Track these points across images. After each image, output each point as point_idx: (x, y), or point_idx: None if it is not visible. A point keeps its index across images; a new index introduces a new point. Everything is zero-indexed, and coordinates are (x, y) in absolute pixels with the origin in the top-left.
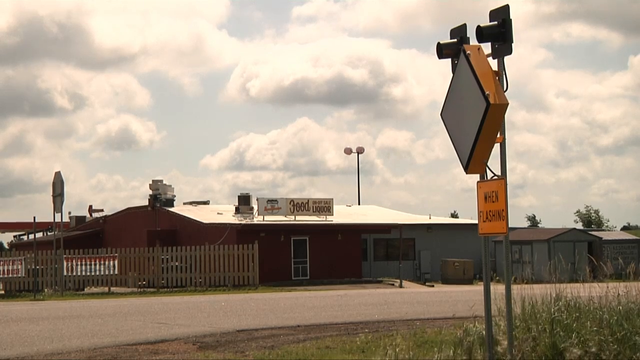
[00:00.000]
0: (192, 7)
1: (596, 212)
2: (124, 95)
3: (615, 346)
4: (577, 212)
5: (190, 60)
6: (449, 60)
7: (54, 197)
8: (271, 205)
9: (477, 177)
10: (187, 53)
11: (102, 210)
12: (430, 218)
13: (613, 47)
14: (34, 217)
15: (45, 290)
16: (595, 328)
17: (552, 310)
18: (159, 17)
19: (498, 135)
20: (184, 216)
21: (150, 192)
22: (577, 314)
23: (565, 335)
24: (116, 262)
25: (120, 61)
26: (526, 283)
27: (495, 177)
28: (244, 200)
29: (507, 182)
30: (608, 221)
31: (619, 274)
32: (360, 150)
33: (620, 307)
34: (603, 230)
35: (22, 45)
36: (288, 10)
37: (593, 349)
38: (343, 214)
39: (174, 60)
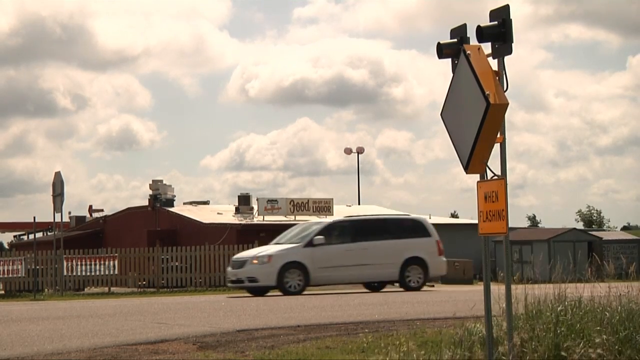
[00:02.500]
0: (194, 8)
1: (598, 212)
2: (125, 95)
3: (617, 346)
4: (579, 211)
5: (191, 61)
6: (449, 60)
7: (54, 197)
8: (271, 205)
9: (477, 177)
10: (189, 54)
11: (102, 210)
12: (430, 218)
13: (612, 48)
14: (34, 217)
15: (45, 290)
16: (598, 328)
17: (558, 309)
18: (160, 18)
19: (498, 135)
20: (184, 216)
21: (150, 192)
22: (581, 314)
23: (569, 335)
24: (116, 262)
25: (122, 62)
26: (527, 283)
27: (495, 177)
28: (244, 200)
29: (507, 182)
30: (609, 221)
31: (619, 274)
32: (360, 150)
33: (621, 307)
34: (603, 230)
35: (25, 46)
36: (289, 11)
37: (596, 349)
38: (343, 214)
39: (175, 61)
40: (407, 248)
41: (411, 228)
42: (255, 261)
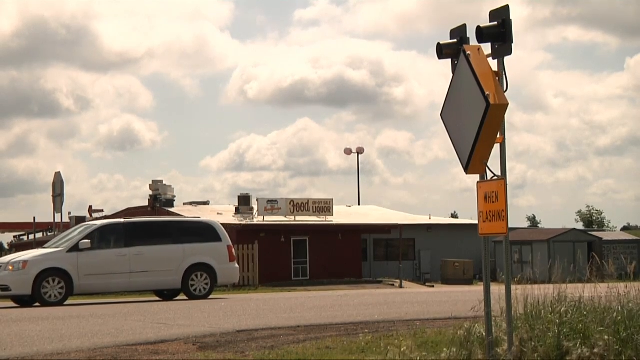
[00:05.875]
0: (197, 10)
1: (599, 212)
2: (127, 96)
3: (617, 346)
4: (579, 212)
5: (193, 63)
6: (449, 61)
7: (54, 197)
8: (271, 205)
9: (476, 177)
10: (190, 55)
11: (102, 211)
12: (430, 218)
13: (610, 50)
14: (34, 218)
15: None
16: (599, 328)
17: (560, 310)
18: (162, 20)
19: (498, 136)
20: (184, 216)
21: (151, 192)
22: (583, 314)
23: (570, 336)
24: None
25: (124, 63)
26: (527, 283)
27: (495, 178)
28: (244, 201)
29: (507, 183)
30: (609, 222)
31: (619, 274)
32: (360, 151)
33: (620, 307)
34: (603, 230)
35: (28, 47)
36: (291, 13)
37: (596, 349)
38: (343, 214)
39: (177, 63)
40: (192, 253)
41: (199, 232)
42: (10, 267)
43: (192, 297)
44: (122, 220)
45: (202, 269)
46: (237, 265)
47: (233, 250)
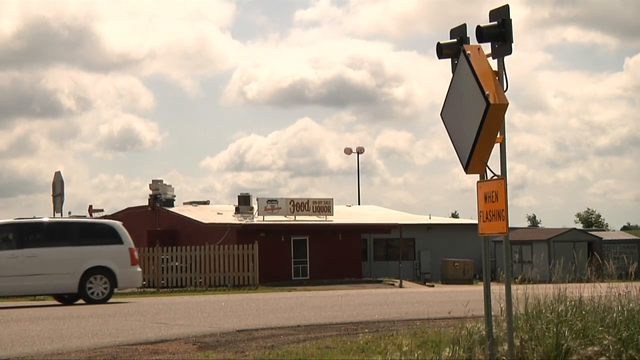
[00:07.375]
0: (198, 11)
1: (597, 215)
2: (128, 97)
3: (618, 346)
4: (578, 214)
5: (194, 63)
6: (449, 61)
7: (54, 197)
8: (271, 205)
9: (476, 177)
10: (191, 56)
11: (102, 210)
12: (430, 218)
13: (609, 51)
14: (34, 218)
15: None
16: (599, 328)
17: (559, 309)
18: (163, 21)
19: (498, 135)
20: (184, 216)
21: (151, 192)
22: (582, 314)
23: (570, 336)
24: None
25: (125, 64)
26: (527, 283)
27: (495, 177)
28: (244, 201)
29: (507, 182)
30: (607, 225)
31: (619, 274)
32: (360, 151)
33: (620, 307)
34: (603, 230)
35: (29, 48)
36: (291, 14)
37: (597, 349)
38: (343, 214)
39: (178, 63)
40: (91, 256)
41: (99, 234)
42: None
43: (89, 301)
44: (14, 220)
45: (101, 272)
46: (139, 269)
47: (135, 253)
